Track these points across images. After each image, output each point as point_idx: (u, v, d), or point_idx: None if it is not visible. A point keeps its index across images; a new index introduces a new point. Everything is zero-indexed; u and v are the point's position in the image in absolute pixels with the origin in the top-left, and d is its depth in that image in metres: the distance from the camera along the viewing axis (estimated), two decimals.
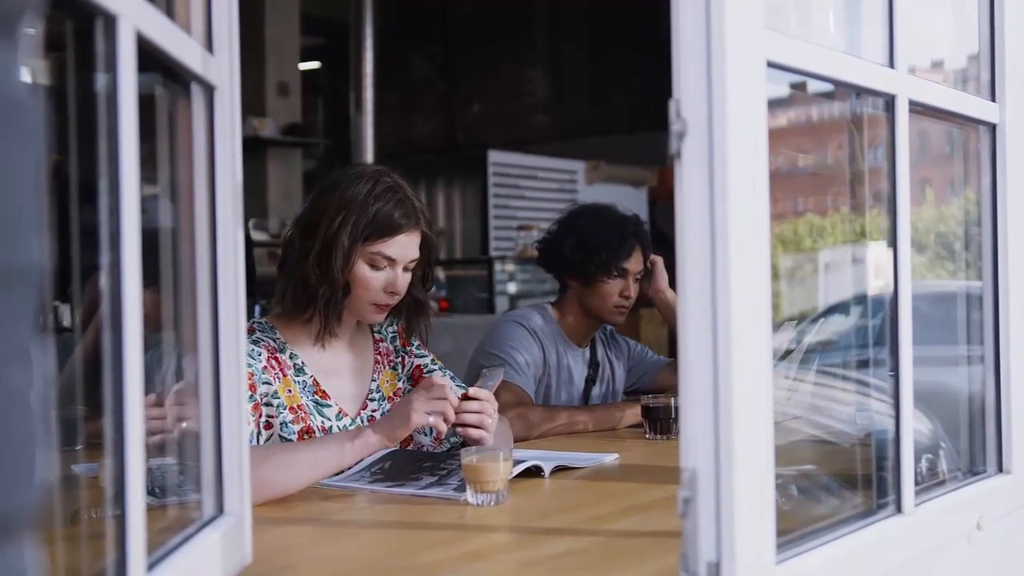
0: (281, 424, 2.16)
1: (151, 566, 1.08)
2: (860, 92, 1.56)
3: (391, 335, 2.46)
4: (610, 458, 2.35)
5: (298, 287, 2.22)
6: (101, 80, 1.02)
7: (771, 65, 1.26)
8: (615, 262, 2.97)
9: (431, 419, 2.04)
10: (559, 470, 2.17)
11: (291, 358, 2.24)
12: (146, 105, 1.09)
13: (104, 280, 1.01)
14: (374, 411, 2.34)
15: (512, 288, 7.33)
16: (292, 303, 2.24)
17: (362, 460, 2.12)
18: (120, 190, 1.01)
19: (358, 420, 2.30)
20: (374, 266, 2.23)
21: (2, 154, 0.53)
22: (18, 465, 0.55)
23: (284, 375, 2.21)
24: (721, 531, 1.16)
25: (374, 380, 2.38)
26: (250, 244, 4.88)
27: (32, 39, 0.58)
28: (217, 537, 1.30)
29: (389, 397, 2.38)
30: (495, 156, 7.97)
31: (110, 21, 1.00)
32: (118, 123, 1.01)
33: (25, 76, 0.56)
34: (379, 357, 2.41)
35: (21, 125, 0.54)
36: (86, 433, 1.24)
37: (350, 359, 2.35)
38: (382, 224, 2.20)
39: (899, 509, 1.51)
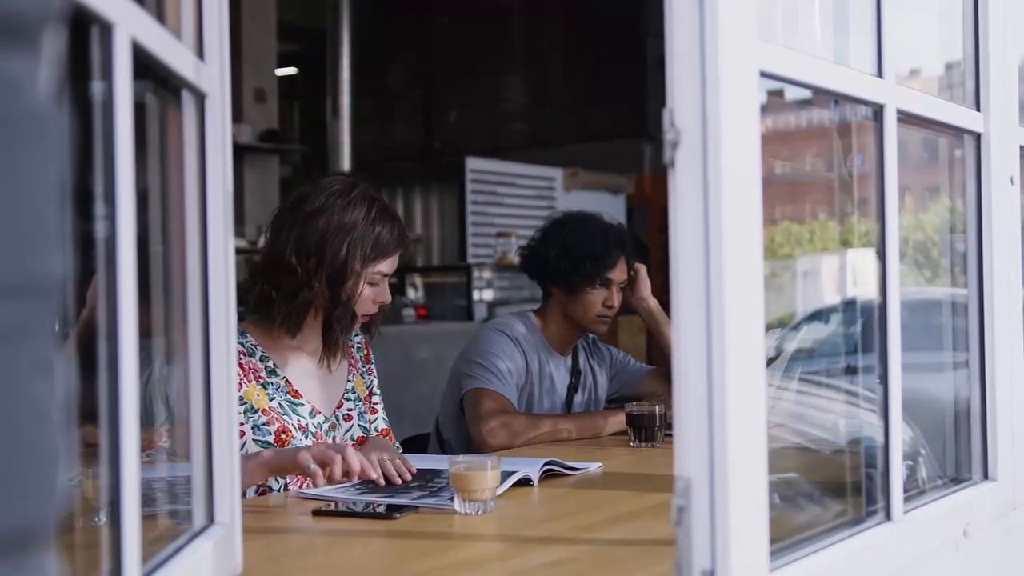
0: (254, 427, 2.21)
1: None
2: (849, 101, 1.57)
3: (357, 345, 2.52)
4: (595, 466, 2.35)
5: (302, 309, 2.27)
6: (96, 87, 1.01)
7: (764, 75, 1.26)
8: (600, 272, 2.97)
9: (313, 466, 1.95)
10: (548, 476, 2.18)
11: (262, 360, 2.28)
12: (136, 112, 1.08)
13: (99, 287, 1.00)
14: (350, 410, 2.42)
15: (490, 295, 7.32)
16: (295, 323, 2.28)
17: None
18: (116, 198, 1.00)
19: (332, 418, 2.37)
20: (373, 284, 2.31)
21: (25, 165, 0.52)
22: (42, 478, 0.54)
23: (250, 381, 2.23)
24: (715, 539, 1.16)
25: (349, 381, 2.45)
26: None
27: (54, 49, 0.58)
28: (209, 547, 1.29)
29: (364, 398, 2.47)
30: (473, 163, 7.96)
31: (106, 29, 0.99)
32: (114, 130, 1.00)
33: (47, 87, 0.55)
34: (352, 360, 2.48)
35: (44, 137, 0.54)
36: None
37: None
38: (386, 246, 2.30)
39: (888, 516, 1.51)
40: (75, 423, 1.12)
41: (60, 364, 0.57)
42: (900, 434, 1.53)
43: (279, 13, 8.01)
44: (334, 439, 2.34)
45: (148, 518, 1.33)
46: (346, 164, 8.39)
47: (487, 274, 7.35)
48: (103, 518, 1.07)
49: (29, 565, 0.54)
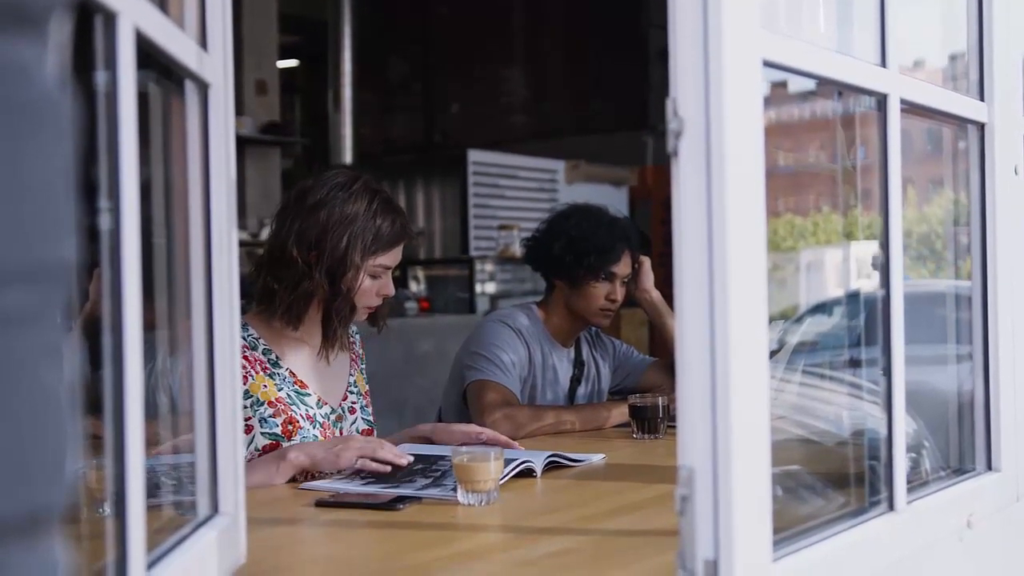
0: (261, 420, 2.21)
1: (150, 565, 1.07)
2: (853, 91, 1.57)
3: (356, 341, 2.53)
4: (597, 458, 2.35)
5: (303, 301, 2.27)
6: (100, 77, 1.01)
7: (767, 64, 1.26)
8: (604, 266, 2.96)
9: (358, 463, 2.08)
10: (551, 468, 2.18)
11: (264, 354, 2.30)
12: (139, 102, 1.08)
13: (103, 280, 1.00)
14: (353, 403, 2.43)
15: (492, 288, 7.32)
16: (296, 315, 2.28)
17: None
18: (120, 189, 1.00)
19: (339, 409, 2.38)
20: (375, 276, 2.31)
21: (35, 151, 0.52)
22: (51, 462, 0.54)
23: (257, 372, 2.23)
24: (719, 529, 1.16)
25: (351, 375, 2.46)
26: None
27: (62, 35, 0.58)
28: (213, 537, 1.29)
29: (364, 393, 2.48)
30: (475, 155, 7.95)
31: (110, 18, 0.99)
32: (118, 121, 1.00)
33: (54, 73, 0.55)
34: (353, 356, 2.49)
35: (53, 122, 0.54)
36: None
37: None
38: (387, 239, 2.30)
39: (891, 507, 1.52)
40: (83, 410, 1.12)
41: (69, 350, 0.57)
42: (903, 425, 1.53)
43: (280, 5, 8.00)
44: (340, 431, 2.35)
45: (152, 508, 1.33)
46: (347, 157, 8.39)
47: (489, 267, 7.34)
48: (107, 509, 1.07)
49: (38, 548, 0.54)
